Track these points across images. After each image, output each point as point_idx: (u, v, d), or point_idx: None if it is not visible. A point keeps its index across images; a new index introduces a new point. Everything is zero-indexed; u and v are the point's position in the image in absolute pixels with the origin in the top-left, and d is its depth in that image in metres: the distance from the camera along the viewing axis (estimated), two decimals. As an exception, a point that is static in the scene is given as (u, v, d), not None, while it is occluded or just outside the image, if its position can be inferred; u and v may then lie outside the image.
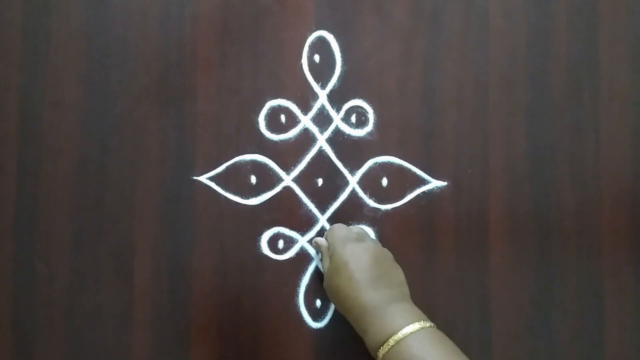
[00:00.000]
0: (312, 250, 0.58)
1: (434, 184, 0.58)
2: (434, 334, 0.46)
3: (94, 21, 0.59)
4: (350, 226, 0.56)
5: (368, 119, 0.59)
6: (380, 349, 0.46)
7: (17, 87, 0.59)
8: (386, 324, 0.46)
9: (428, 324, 0.47)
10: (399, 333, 0.45)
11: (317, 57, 0.59)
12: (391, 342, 0.45)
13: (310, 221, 0.58)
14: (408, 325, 0.46)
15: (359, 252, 0.50)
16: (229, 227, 0.58)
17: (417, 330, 0.46)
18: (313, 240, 0.57)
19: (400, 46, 0.59)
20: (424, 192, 0.58)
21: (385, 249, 0.53)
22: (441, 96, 0.59)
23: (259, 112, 0.59)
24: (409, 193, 0.58)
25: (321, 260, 0.56)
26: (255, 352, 0.57)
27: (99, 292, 0.58)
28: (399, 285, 0.51)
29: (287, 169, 0.59)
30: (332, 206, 0.58)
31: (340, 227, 0.54)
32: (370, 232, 0.58)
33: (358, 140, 0.59)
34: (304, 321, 0.57)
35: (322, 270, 0.55)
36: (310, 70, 0.59)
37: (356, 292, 0.49)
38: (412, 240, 0.58)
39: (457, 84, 0.59)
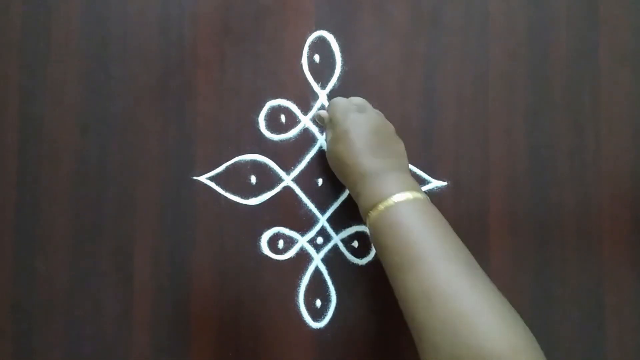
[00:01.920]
0: (312, 250, 0.58)
1: (434, 184, 0.58)
2: (423, 204, 0.46)
3: (94, 21, 0.59)
4: (351, 97, 0.55)
5: (368, 119, 0.59)
6: (369, 212, 0.46)
7: (17, 87, 0.59)
8: (379, 189, 0.47)
9: (420, 195, 0.46)
10: (389, 199, 0.45)
11: (317, 57, 0.59)
12: (381, 207, 0.46)
13: (310, 221, 0.58)
14: (400, 192, 0.46)
15: (360, 121, 0.50)
16: (229, 227, 0.58)
17: (408, 199, 0.45)
18: (315, 114, 0.57)
19: (400, 46, 0.59)
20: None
21: (387, 121, 0.53)
22: (441, 96, 0.59)
23: (259, 112, 0.59)
24: (409, 193, 0.58)
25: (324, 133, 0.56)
26: (255, 352, 0.57)
27: (99, 292, 0.58)
28: (398, 156, 0.51)
29: (287, 169, 0.59)
30: (332, 206, 0.58)
31: (340, 99, 0.54)
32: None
33: (358, 140, 0.59)
34: (304, 321, 0.57)
35: (325, 142, 0.55)
36: (310, 70, 0.59)
37: (355, 158, 0.49)
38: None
39: (457, 84, 0.59)
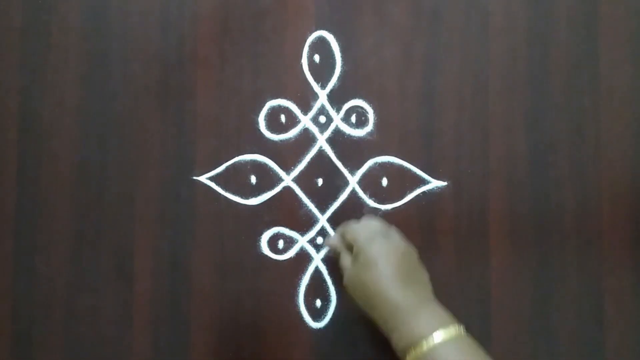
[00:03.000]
0: (312, 250, 0.58)
1: (434, 184, 0.58)
2: (466, 342, 0.46)
3: (94, 21, 0.59)
4: (366, 221, 0.54)
5: (368, 119, 0.59)
6: (411, 351, 0.45)
7: (17, 87, 0.59)
8: (418, 326, 0.46)
9: (460, 330, 0.46)
10: (432, 338, 0.45)
11: (317, 57, 0.59)
12: (424, 346, 0.45)
13: (310, 221, 0.58)
14: (440, 329, 0.45)
15: (388, 249, 0.49)
16: (229, 227, 0.58)
17: (451, 337, 0.45)
18: (326, 242, 0.57)
19: (400, 46, 0.59)
20: (424, 192, 0.58)
21: (411, 246, 0.52)
22: (441, 96, 0.59)
23: (259, 112, 0.59)
24: (409, 193, 0.58)
25: (331, 255, 0.56)
26: (255, 352, 0.57)
27: (99, 292, 0.58)
28: (425, 283, 0.50)
29: (287, 169, 0.59)
30: (332, 206, 0.58)
31: (355, 225, 0.53)
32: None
33: (358, 140, 0.59)
34: (304, 321, 0.57)
35: (341, 267, 0.53)
36: (310, 70, 0.59)
37: (386, 291, 0.48)
38: (412, 240, 0.58)
39: (457, 84, 0.59)
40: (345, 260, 0.52)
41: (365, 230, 0.52)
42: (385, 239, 0.50)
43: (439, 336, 0.45)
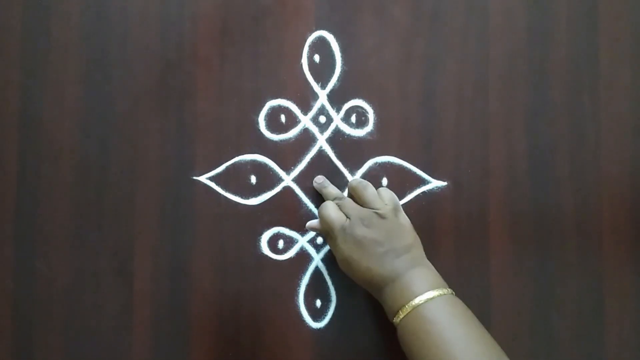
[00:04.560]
0: (312, 250, 0.58)
1: (434, 184, 0.58)
2: (451, 301, 0.48)
3: (94, 21, 0.59)
4: (340, 201, 0.54)
5: (368, 119, 0.59)
6: (397, 314, 0.48)
7: (17, 87, 0.59)
8: (404, 291, 0.48)
9: (446, 291, 0.48)
10: (416, 299, 0.47)
11: (317, 57, 0.59)
12: (408, 308, 0.47)
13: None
14: (426, 291, 0.47)
15: (373, 228, 0.51)
16: (229, 227, 0.58)
17: (435, 297, 0.47)
18: (307, 226, 0.57)
19: (400, 46, 0.59)
20: (424, 192, 0.58)
21: (388, 213, 0.52)
22: (441, 96, 0.59)
23: (259, 112, 0.59)
24: (409, 193, 0.58)
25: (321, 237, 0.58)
26: (255, 352, 0.57)
27: (99, 292, 0.58)
28: (412, 248, 0.51)
29: (287, 169, 0.59)
30: (332, 206, 0.58)
31: (332, 208, 0.53)
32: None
33: (358, 140, 0.59)
34: (304, 321, 0.57)
35: (330, 247, 0.54)
36: (310, 70, 0.59)
37: (376, 266, 0.50)
38: (412, 240, 0.58)
39: (457, 84, 0.59)
40: (333, 241, 0.53)
41: (350, 211, 0.52)
42: (368, 219, 0.51)
43: (422, 298, 0.47)
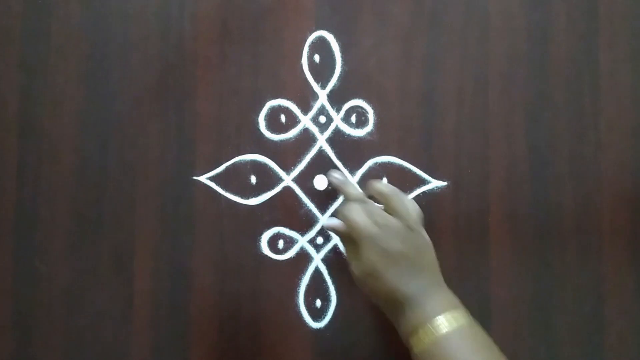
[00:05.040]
0: (312, 250, 0.58)
1: (434, 184, 0.58)
2: (474, 331, 0.46)
3: (94, 21, 0.59)
4: (365, 204, 0.51)
5: (368, 119, 0.59)
6: (416, 336, 0.46)
7: (17, 87, 0.59)
8: (426, 314, 0.46)
9: (466, 314, 0.47)
10: (441, 326, 0.45)
11: (317, 57, 0.59)
12: (430, 334, 0.45)
13: (310, 221, 0.58)
14: (450, 317, 0.46)
15: (405, 243, 0.48)
16: (229, 227, 0.58)
17: (463, 325, 0.46)
18: (325, 225, 0.54)
19: (400, 46, 0.59)
20: (424, 192, 0.58)
21: (416, 226, 0.50)
22: (441, 96, 0.59)
23: (259, 112, 0.59)
24: (409, 193, 0.58)
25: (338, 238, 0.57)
26: (255, 352, 0.57)
27: (99, 292, 0.58)
28: (432, 266, 0.49)
29: (287, 169, 0.59)
30: (332, 206, 0.58)
31: (360, 212, 0.49)
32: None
33: (358, 140, 0.59)
34: (304, 321, 0.57)
35: (347, 253, 0.52)
36: (310, 70, 0.59)
37: (401, 284, 0.47)
38: (412, 240, 0.58)
39: (457, 84, 0.59)
40: (348, 248, 0.51)
41: (364, 220, 0.49)
42: (385, 231, 0.48)
43: (443, 326, 0.45)
